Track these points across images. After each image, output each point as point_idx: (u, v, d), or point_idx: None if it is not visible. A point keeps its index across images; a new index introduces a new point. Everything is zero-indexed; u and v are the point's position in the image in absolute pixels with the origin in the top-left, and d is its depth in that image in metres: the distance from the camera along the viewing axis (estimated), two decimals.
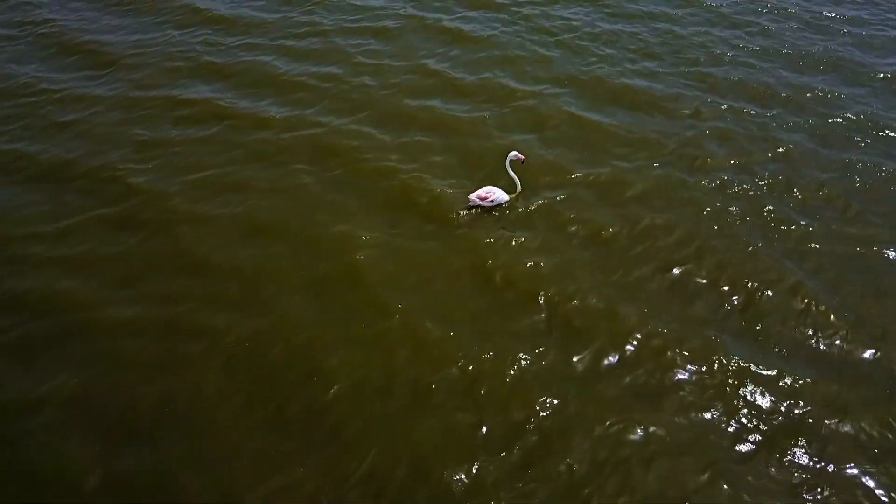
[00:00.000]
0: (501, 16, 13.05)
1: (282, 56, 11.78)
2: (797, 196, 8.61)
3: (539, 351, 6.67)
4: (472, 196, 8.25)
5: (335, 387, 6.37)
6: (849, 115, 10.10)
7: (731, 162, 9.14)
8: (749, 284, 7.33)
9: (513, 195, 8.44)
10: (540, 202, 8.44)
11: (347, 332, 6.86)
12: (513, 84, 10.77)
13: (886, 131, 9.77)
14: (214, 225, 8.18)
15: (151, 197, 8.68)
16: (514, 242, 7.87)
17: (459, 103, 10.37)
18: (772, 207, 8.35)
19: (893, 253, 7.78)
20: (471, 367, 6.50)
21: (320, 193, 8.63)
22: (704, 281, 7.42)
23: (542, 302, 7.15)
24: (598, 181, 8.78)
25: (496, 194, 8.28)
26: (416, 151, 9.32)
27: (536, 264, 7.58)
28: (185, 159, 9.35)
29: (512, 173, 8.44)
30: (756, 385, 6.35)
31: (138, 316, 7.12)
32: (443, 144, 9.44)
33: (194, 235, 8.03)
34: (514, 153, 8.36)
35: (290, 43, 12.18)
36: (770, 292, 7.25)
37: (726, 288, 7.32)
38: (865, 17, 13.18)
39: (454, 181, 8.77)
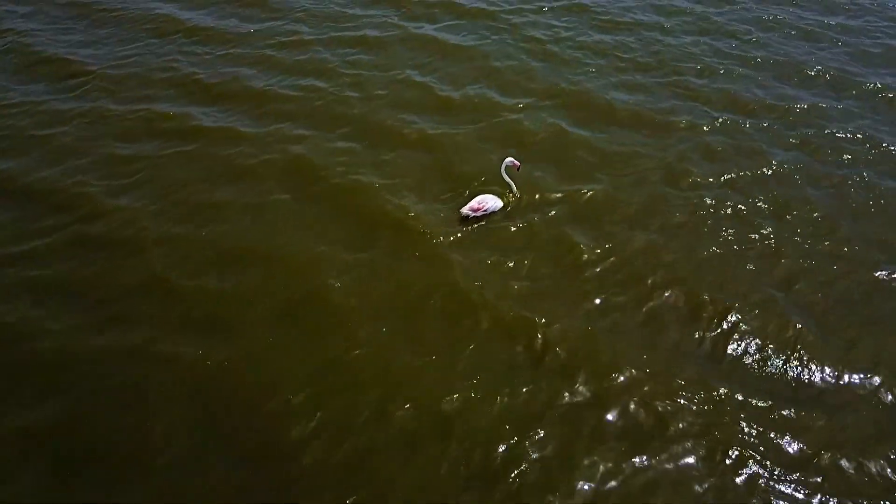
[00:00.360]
0: (489, 25, 12.78)
1: (263, 68, 11.50)
2: (790, 215, 8.32)
3: (521, 382, 6.38)
4: (465, 209, 8.04)
5: (306, 422, 6.08)
6: (844, 129, 9.83)
7: (723, 179, 8.86)
8: (740, 313, 7.02)
9: (508, 196, 8.32)
10: (526, 223, 8.15)
11: (320, 363, 6.57)
12: (499, 98, 10.49)
13: (883, 146, 9.49)
14: (186, 247, 7.88)
15: (124, 217, 8.38)
16: (496, 266, 7.58)
17: (443, 117, 10.07)
18: (764, 229, 8.08)
19: (886, 276, 7.50)
20: (449, 400, 6.21)
21: (297, 213, 8.33)
22: (694, 308, 7.12)
23: (525, 330, 6.83)
24: (585, 200, 8.49)
25: (490, 202, 8.08)
26: (397, 168, 9.03)
27: (520, 290, 7.29)
28: (159, 177, 9.04)
29: (507, 178, 8.31)
30: (748, 418, 6.09)
31: (103, 344, 6.83)
32: (425, 160, 9.14)
33: (165, 258, 7.74)
34: (509, 159, 8.22)
35: (271, 53, 11.90)
36: (762, 322, 6.95)
37: (716, 317, 7.02)
38: (862, 26, 12.93)
39: (436, 200, 8.49)
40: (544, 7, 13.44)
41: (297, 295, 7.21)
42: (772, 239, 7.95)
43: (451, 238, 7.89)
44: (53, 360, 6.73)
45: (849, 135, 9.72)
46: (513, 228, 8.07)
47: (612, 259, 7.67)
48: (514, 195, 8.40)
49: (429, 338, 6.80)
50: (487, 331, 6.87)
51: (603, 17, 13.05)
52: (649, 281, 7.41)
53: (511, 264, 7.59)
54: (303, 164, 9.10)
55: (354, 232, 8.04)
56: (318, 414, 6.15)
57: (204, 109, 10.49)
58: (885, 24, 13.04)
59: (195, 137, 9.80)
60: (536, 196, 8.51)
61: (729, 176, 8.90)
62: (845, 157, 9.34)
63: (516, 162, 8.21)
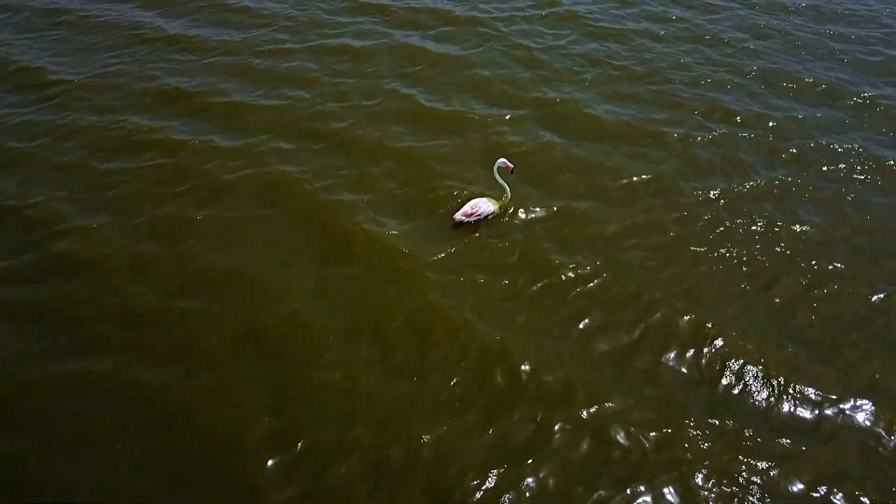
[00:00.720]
0: (479, 32, 12.54)
1: (246, 77, 11.24)
2: (784, 232, 8.02)
3: (505, 409, 6.08)
4: (458, 214, 7.86)
5: (278, 452, 5.76)
6: (839, 141, 9.58)
7: (715, 194, 8.57)
8: (732, 336, 6.73)
9: (503, 199, 8.15)
10: (512, 241, 7.86)
11: (292, 389, 6.24)
12: (488, 109, 10.22)
13: (880, 159, 9.23)
14: (159, 269, 7.55)
15: (96, 237, 8.03)
16: (480, 287, 7.27)
17: (430, 129, 9.79)
18: (757, 246, 7.82)
19: (884, 296, 7.22)
20: (430, 429, 5.90)
21: (273, 231, 8.03)
22: (685, 331, 6.82)
23: (510, 354, 6.50)
24: (575, 217, 8.19)
25: (483, 207, 7.92)
26: (379, 183, 8.73)
27: (505, 311, 6.99)
28: (134, 193, 8.72)
29: (501, 180, 8.14)
30: (742, 447, 5.81)
31: (65, 371, 6.46)
32: (409, 174, 8.85)
33: (136, 281, 7.40)
34: (502, 160, 8.03)
35: (255, 62, 11.64)
36: (756, 345, 6.65)
37: (708, 340, 6.72)
38: (858, 34, 12.71)
39: (419, 216, 8.19)
40: (536, 15, 13.20)
41: (272, 319, 6.89)
42: (765, 258, 7.67)
43: (434, 257, 7.60)
44: (10, 388, 6.37)
45: (844, 147, 9.47)
46: (498, 247, 7.77)
47: (601, 279, 7.37)
48: (508, 196, 8.20)
49: (408, 362, 6.49)
50: (470, 355, 6.55)
51: (595, 26, 12.82)
52: (640, 302, 7.12)
53: (496, 284, 7.30)
54: (281, 180, 8.80)
55: (333, 251, 7.72)
56: (290, 444, 5.82)
57: (184, 121, 10.20)
58: (881, 32, 12.83)
59: (173, 151, 9.49)
60: (523, 212, 8.23)
61: (721, 191, 8.63)
62: (841, 167, 9.10)
63: (509, 164, 8.02)
